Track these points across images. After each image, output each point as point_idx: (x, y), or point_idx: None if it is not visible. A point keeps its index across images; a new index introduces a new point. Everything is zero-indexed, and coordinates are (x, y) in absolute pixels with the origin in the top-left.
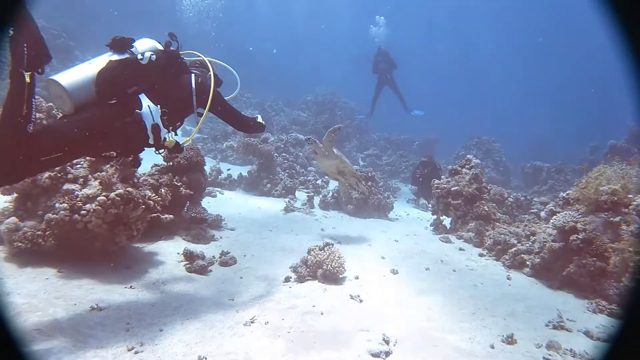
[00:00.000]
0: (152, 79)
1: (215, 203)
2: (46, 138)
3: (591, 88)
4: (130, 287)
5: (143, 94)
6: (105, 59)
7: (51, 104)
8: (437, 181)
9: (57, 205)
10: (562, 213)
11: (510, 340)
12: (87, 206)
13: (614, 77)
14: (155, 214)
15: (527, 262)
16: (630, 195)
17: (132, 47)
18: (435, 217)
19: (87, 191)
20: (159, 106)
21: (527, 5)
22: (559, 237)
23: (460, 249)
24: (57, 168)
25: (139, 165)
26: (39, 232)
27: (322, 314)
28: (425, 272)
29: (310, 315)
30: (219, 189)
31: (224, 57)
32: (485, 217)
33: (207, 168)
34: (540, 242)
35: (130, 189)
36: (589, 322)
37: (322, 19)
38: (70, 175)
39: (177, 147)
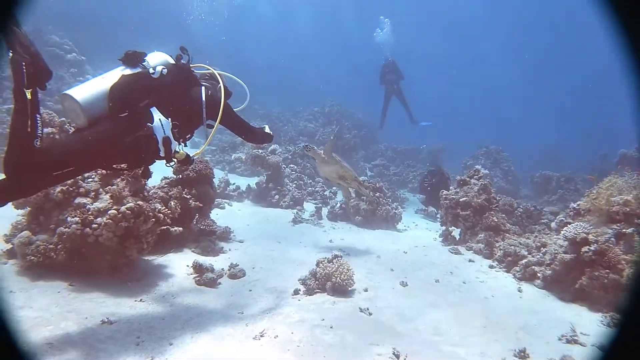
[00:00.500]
0: (164, 93)
1: (224, 215)
2: (57, 152)
3: (595, 90)
4: (141, 300)
5: (154, 107)
6: (118, 73)
7: (64, 118)
8: (445, 192)
9: (69, 219)
10: (573, 224)
11: (522, 354)
12: (99, 220)
13: (623, 83)
14: (165, 227)
15: (538, 274)
16: None
17: (144, 61)
18: (444, 228)
19: (98, 205)
20: (169, 119)
21: (534, 13)
22: (571, 249)
23: (470, 261)
24: (69, 182)
25: (150, 177)
26: (51, 246)
27: (331, 327)
28: (434, 284)
29: (320, 328)
30: (227, 201)
31: (231, 69)
32: (495, 228)
33: (215, 180)
34: (551, 254)
35: (140, 203)
36: (604, 336)
37: (328, 29)
38: (82, 189)
39: (188, 159)
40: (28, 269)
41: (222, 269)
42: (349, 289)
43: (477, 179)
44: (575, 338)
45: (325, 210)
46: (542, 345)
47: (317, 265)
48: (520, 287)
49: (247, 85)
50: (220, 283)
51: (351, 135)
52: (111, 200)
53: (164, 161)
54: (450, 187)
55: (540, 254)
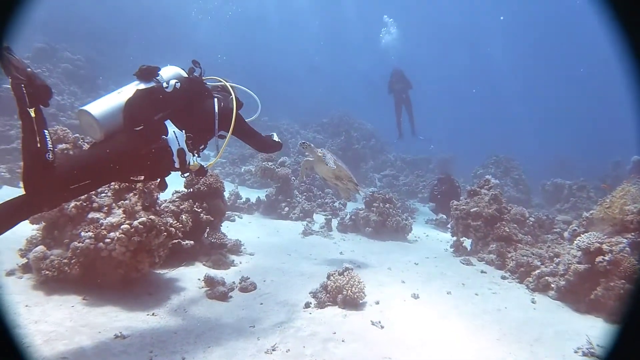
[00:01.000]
0: (177, 106)
1: (234, 227)
2: (73, 166)
3: (607, 95)
4: (153, 314)
5: (169, 120)
6: (133, 88)
7: (77, 134)
8: (455, 202)
9: (82, 233)
10: (586, 234)
11: None
12: (112, 234)
13: (631, 87)
14: (177, 241)
15: (552, 285)
16: None
17: (158, 75)
18: (455, 238)
19: (111, 220)
20: (184, 131)
21: (543, 20)
22: (584, 259)
23: (482, 272)
24: (82, 197)
25: (166, 188)
26: (65, 260)
27: (343, 341)
28: (447, 296)
29: (332, 342)
30: (237, 213)
31: (242, 81)
32: (507, 239)
33: (225, 193)
34: (564, 264)
35: (152, 217)
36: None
37: (335, 40)
38: (95, 204)
39: (202, 170)
40: (43, 283)
41: (233, 282)
42: (360, 301)
43: (487, 189)
44: (592, 351)
45: (335, 222)
46: (558, 358)
47: (328, 278)
48: (533, 298)
49: (258, 97)
50: (231, 296)
51: (360, 146)
52: (124, 215)
53: (179, 172)
54: (461, 197)
55: (554, 265)
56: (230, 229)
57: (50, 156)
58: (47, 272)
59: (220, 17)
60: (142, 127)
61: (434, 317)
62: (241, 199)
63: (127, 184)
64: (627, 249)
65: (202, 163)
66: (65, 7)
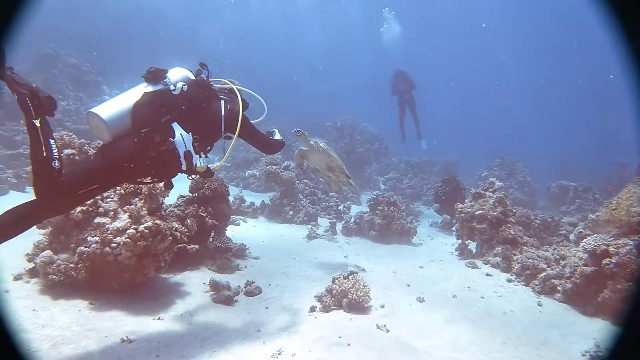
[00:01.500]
0: (184, 108)
1: (239, 231)
2: (80, 171)
3: (612, 96)
4: (159, 318)
5: (175, 123)
6: (141, 90)
7: (83, 140)
8: (460, 205)
9: (89, 238)
10: (592, 236)
11: None
12: (118, 239)
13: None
14: (182, 245)
15: (558, 288)
16: None
17: (166, 77)
18: (460, 241)
19: (117, 224)
20: (190, 133)
21: (546, 19)
22: (591, 261)
23: (488, 275)
24: (88, 202)
25: (172, 188)
26: (72, 265)
27: (348, 345)
28: (452, 299)
29: (337, 346)
30: (242, 217)
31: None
32: (512, 241)
33: (230, 197)
34: (571, 267)
35: (158, 221)
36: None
37: (338, 44)
38: (101, 209)
39: (208, 172)
40: (50, 288)
41: (239, 286)
42: (366, 305)
43: (492, 192)
44: (600, 354)
45: (339, 226)
46: None
47: (333, 281)
48: (540, 301)
49: (264, 99)
50: (237, 300)
51: (364, 149)
52: (130, 220)
53: (186, 174)
54: (465, 199)
55: (560, 267)
56: (235, 233)
57: (57, 164)
58: (54, 276)
59: (224, 22)
60: (149, 129)
61: (439, 320)
62: (246, 202)
63: (134, 185)
64: (634, 250)
65: (209, 165)
66: (70, 13)
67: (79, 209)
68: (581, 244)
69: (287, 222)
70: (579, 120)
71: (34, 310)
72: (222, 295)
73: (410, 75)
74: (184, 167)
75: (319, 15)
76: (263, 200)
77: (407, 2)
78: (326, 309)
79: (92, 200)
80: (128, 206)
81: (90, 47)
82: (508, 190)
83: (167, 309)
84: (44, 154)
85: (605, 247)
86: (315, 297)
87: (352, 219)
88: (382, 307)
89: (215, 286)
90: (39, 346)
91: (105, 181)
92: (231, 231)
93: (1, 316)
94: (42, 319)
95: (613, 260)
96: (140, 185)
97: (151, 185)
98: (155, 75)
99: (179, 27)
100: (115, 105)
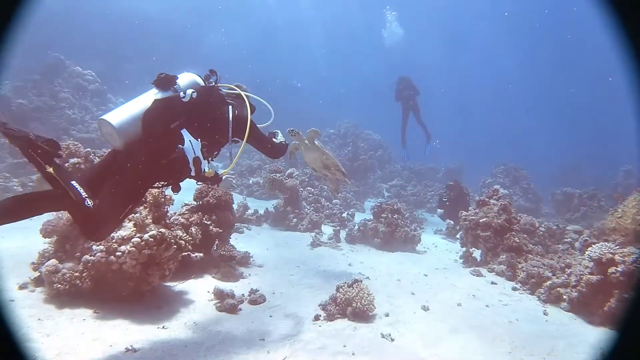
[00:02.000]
0: (194, 115)
1: (243, 239)
2: (113, 200)
3: (616, 102)
4: (163, 327)
5: (185, 129)
6: (151, 96)
7: (89, 149)
8: (464, 213)
9: (94, 247)
10: (598, 244)
11: None
12: (122, 248)
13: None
14: (186, 253)
15: (564, 296)
16: None
17: (176, 84)
18: (464, 249)
19: (122, 233)
20: (199, 140)
21: (549, 24)
22: (597, 270)
23: (493, 283)
24: None
25: (179, 190)
26: (77, 274)
27: (353, 354)
28: (457, 308)
29: (342, 355)
30: (246, 225)
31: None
32: (517, 249)
33: (234, 204)
34: (576, 275)
35: (162, 230)
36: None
37: (341, 50)
38: None
39: (216, 177)
40: (55, 297)
41: (243, 294)
42: (370, 314)
43: (496, 199)
44: None
45: (343, 233)
46: None
47: (337, 290)
48: (545, 310)
49: (271, 105)
50: (241, 309)
51: (367, 157)
52: (134, 228)
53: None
54: (470, 205)
55: (565, 276)
56: (239, 241)
57: (89, 202)
58: (59, 285)
59: (229, 29)
60: (159, 137)
61: (444, 329)
62: (249, 210)
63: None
64: None
65: (217, 170)
66: (74, 22)
67: None
68: (587, 252)
69: (291, 230)
70: (582, 127)
71: (39, 319)
72: (227, 304)
73: (414, 82)
74: (192, 173)
75: (320, 21)
76: (267, 208)
77: (409, 4)
78: (330, 317)
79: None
80: (133, 214)
81: (94, 56)
82: (512, 198)
83: (171, 318)
84: (73, 198)
85: (611, 255)
86: (319, 305)
87: (356, 227)
88: (387, 315)
89: (219, 294)
90: (44, 355)
91: (136, 199)
92: (235, 239)
93: (7, 326)
94: (47, 328)
95: (619, 269)
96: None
97: (161, 189)
98: (165, 82)
99: (182, 35)
100: (126, 111)
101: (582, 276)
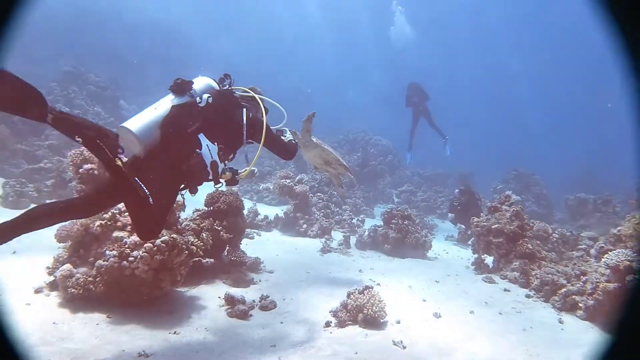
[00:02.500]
0: (210, 119)
1: (253, 245)
2: (162, 202)
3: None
4: (175, 332)
5: (202, 134)
6: (168, 102)
7: None
8: (476, 219)
9: (107, 252)
10: (614, 251)
11: None
12: (135, 253)
13: None
14: (197, 259)
15: (580, 304)
16: None
17: (192, 89)
18: (476, 255)
19: (134, 238)
20: (216, 144)
21: (559, 28)
22: (614, 277)
23: (505, 290)
24: (107, 216)
25: (196, 192)
26: (90, 278)
27: None
28: (469, 315)
29: None
30: (256, 231)
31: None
32: (530, 256)
33: (244, 210)
34: (592, 283)
35: (174, 235)
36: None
37: (352, 56)
38: (119, 223)
39: (233, 180)
40: (69, 301)
41: (254, 300)
42: (381, 320)
43: (508, 205)
44: None
45: (353, 239)
46: None
47: (348, 296)
48: (561, 318)
49: (284, 108)
50: (252, 315)
51: (377, 162)
52: None
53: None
54: (481, 210)
55: (581, 283)
56: (249, 247)
57: (151, 200)
58: (73, 290)
59: (239, 35)
60: (178, 142)
61: (457, 336)
62: (260, 216)
63: None
64: None
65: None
66: (90, 30)
67: (97, 222)
68: (603, 260)
69: (301, 236)
70: (594, 131)
71: (54, 323)
72: (237, 310)
73: (424, 87)
74: (210, 177)
75: (329, 27)
76: (277, 214)
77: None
78: (341, 324)
79: (110, 214)
80: None
81: (108, 62)
82: (525, 204)
83: (182, 323)
84: (141, 194)
85: (628, 262)
86: (330, 312)
87: (366, 233)
88: (398, 322)
89: (230, 300)
90: (59, 359)
91: (173, 200)
92: (245, 245)
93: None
94: (61, 332)
95: (637, 277)
96: None
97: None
98: (181, 87)
99: (195, 41)
100: (145, 118)
101: (598, 284)
